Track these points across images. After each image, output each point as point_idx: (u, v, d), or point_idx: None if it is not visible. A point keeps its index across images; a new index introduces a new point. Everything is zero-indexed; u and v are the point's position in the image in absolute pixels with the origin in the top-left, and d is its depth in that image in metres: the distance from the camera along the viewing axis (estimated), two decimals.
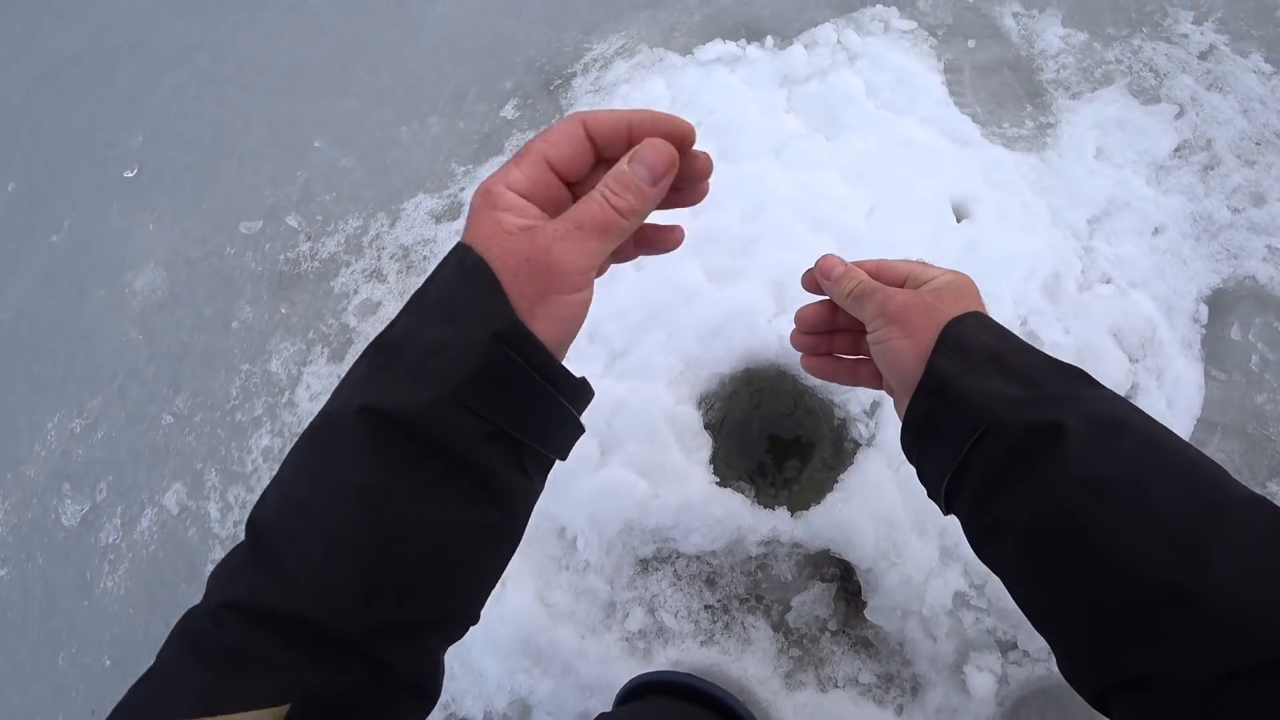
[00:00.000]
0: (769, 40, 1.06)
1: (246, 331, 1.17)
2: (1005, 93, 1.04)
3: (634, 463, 0.79)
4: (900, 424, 0.46)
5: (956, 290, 0.46)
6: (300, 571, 0.31)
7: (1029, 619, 0.39)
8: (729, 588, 0.81)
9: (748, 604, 0.81)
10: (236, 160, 1.32)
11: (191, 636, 0.32)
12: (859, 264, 0.51)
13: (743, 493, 0.80)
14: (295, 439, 0.37)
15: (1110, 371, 0.83)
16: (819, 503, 0.78)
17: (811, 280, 0.55)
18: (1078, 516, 0.34)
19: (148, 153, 1.39)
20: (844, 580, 0.81)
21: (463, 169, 1.12)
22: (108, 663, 1.09)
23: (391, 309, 1.06)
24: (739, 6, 1.13)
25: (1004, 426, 0.38)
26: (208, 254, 1.26)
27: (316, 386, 1.08)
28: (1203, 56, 1.08)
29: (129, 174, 1.37)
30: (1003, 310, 0.83)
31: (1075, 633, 0.36)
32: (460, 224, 1.07)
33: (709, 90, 1.00)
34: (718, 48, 1.04)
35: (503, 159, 1.11)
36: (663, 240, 0.43)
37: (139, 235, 1.32)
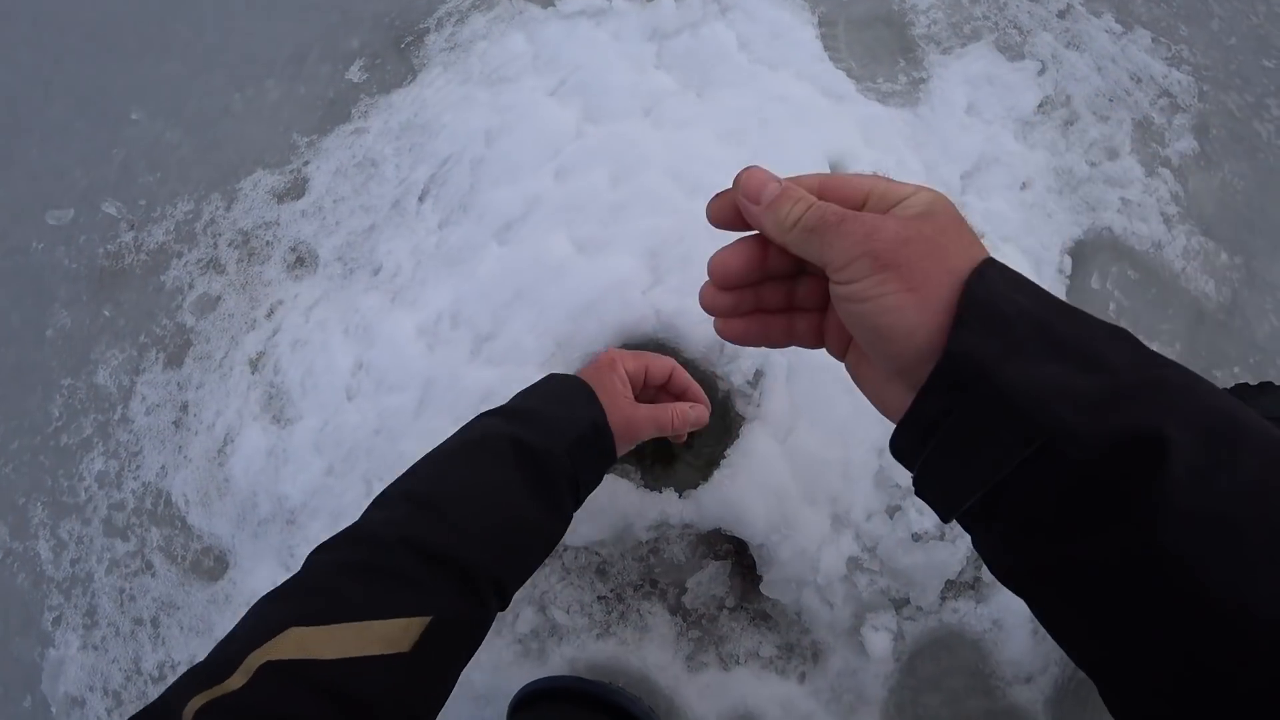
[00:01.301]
0: None
1: (65, 340, 1.01)
2: (879, 47, 1.02)
3: None
4: (892, 413, 0.34)
5: (952, 220, 0.33)
6: (460, 525, 0.46)
7: (1075, 659, 0.31)
8: (621, 576, 0.77)
9: (642, 590, 0.77)
10: (37, 138, 1.12)
11: (347, 566, 0.43)
12: (794, 180, 0.36)
13: (627, 477, 0.76)
14: (435, 446, 0.54)
15: None
16: (707, 481, 0.75)
17: (725, 207, 0.38)
18: (1190, 568, 0.25)
19: None
20: (738, 556, 0.79)
21: (306, 139, 1.00)
22: None
23: (234, 303, 0.94)
24: None
25: (1075, 441, 0.27)
26: (10, 251, 1.08)
27: (153, 398, 0.94)
28: (1061, 15, 1.10)
29: None
30: None
31: (1151, 685, 0.27)
32: (305, 204, 0.95)
33: (573, 45, 0.92)
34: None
35: (350, 127, 0.99)
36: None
37: None
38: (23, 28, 1.22)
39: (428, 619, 0.41)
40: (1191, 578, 0.25)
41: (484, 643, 0.78)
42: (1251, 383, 0.88)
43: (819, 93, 0.91)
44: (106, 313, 1.00)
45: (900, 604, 0.80)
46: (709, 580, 0.77)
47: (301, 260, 0.93)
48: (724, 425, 0.80)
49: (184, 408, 0.92)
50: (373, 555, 0.43)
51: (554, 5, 0.98)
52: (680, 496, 0.75)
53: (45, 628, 0.91)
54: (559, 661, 0.74)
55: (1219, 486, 0.25)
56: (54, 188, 1.09)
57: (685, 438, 0.68)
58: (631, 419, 0.57)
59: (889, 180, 0.36)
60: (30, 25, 1.22)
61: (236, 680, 0.35)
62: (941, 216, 0.33)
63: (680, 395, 0.65)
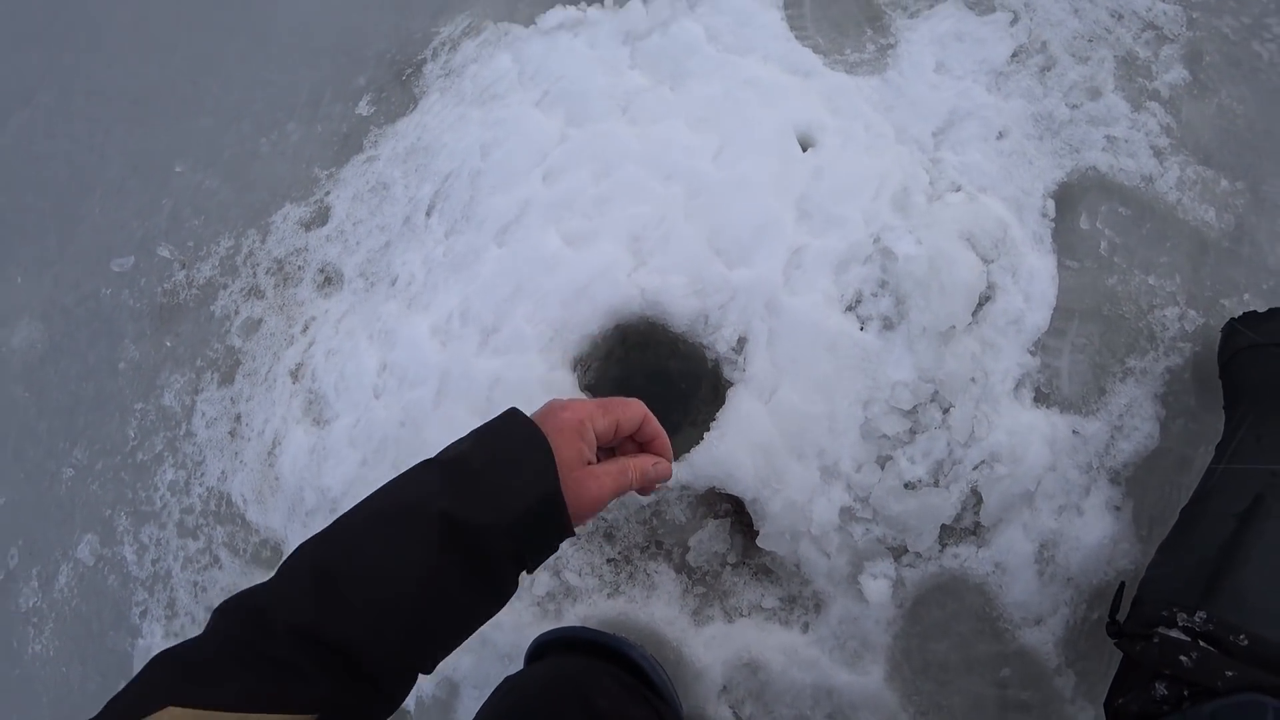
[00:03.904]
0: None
1: (134, 370, 1.15)
2: (846, 20, 1.06)
3: None
4: None
5: None
6: (361, 615, 0.42)
7: None
8: (628, 539, 0.83)
9: (648, 551, 0.83)
10: (97, 197, 1.27)
11: (237, 644, 0.40)
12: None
13: None
14: (360, 501, 0.48)
15: (964, 275, 0.86)
16: (699, 445, 0.80)
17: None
18: None
19: (2, 203, 1.33)
20: (737, 514, 0.83)
21: (325, 172, 1.10)
22: None
23: (273, 323, 1.05)
24: None
25: None
26: (83, 298, 1.23)
27: (211, 413, 1.06)
28: None
29: None
30: (854, 231, 0.85)
31: None
32: (329, 230, 1.06)
33: (553, 57, 0.99)
34: (559, 14, 1.04)
35: (363, 156, 1.09)
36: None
37: (8, 291, 1.27)
38: (77, 101, 1.39)
39: (313, 717, 0.39)
40: None
41: (506, 606, 0.85)
42: (1260, 310, 0.87)
43: (785, 71, 0.96)
44: (168, 343, 1.13)
45: (898, 552, 0.82)
46: (709, 538, 0.82)
47: (329, 279, 1.04)
48: (717, 392, 0.85)
49: (238, 419, 1.03)
50: (262, 639, 0.40)
51: (535, 23, 1.06)
52: (676, 460, 0.80)
53: (134, 621, 1.03)
54: (573, 619, 0.80)
55: None
56: (115, 239, 1.23)
57: (649, 492, 0.60)
58: (596, 498, 0.50)
59: None
60: (84, 98, 1.38)
61: None
62: None
63: (646, 443, 0.57)
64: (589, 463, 0.51)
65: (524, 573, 0.49)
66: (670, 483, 0.79)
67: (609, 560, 0.82)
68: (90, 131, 1.32)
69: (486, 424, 0.51)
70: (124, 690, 0.39)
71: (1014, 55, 1.03)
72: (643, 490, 0.57)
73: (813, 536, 0.80)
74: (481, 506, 0.45)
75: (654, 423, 0.57)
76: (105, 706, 0.39)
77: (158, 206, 1.21)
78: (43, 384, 1.20)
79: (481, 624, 0.49)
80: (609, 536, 0.83)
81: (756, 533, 0.81)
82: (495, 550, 0.45)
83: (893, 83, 0.99)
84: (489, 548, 0.45)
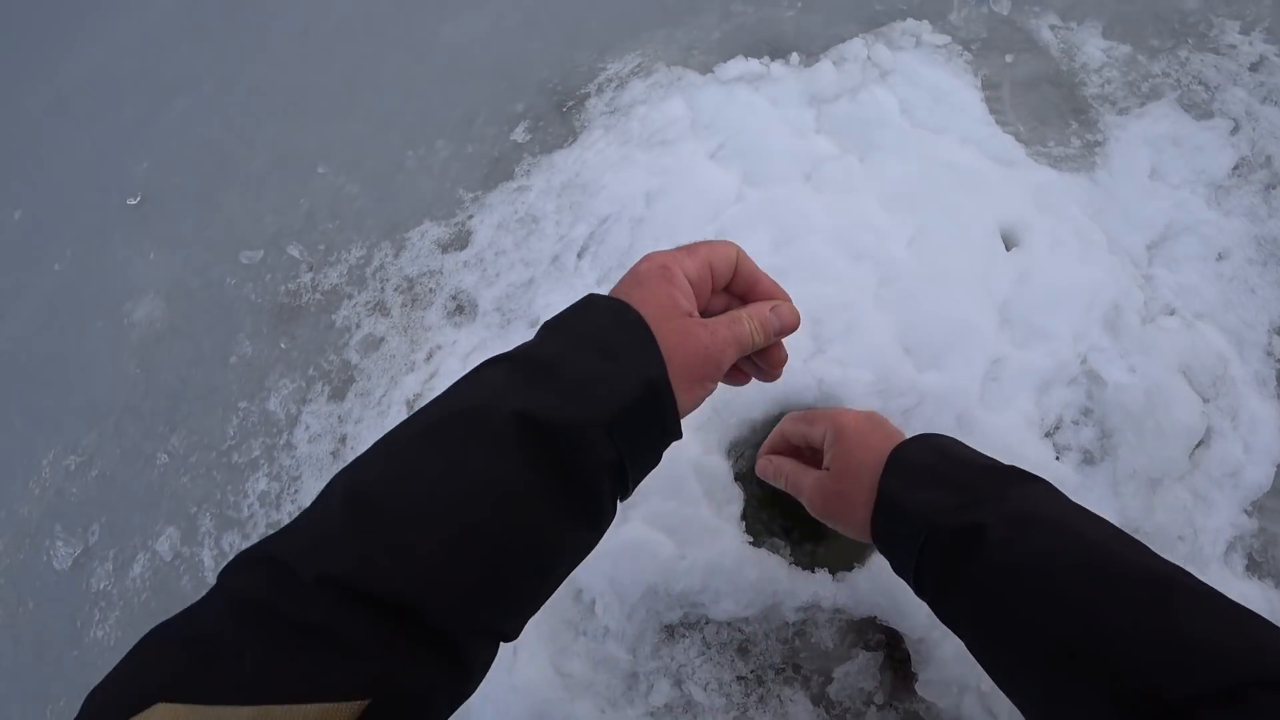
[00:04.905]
0: (794, 57, 1.00)
1: (245, 366, 1.12)
2: (1048, 109, 0.97)
3: (659, 519, 0.72)
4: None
5: (881, 423, 0.56)
6: (420, 553, 0.30)
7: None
8: (763, 657, 0.73)
9: (784, 674, 0.73)
10: (240, 187, 1.28)
11: (250, 608, 0.29)
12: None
13: (778, 551, 0.72)
14: (401, 424, 0.37)
15: (1183, 415, 0.75)
16: (862, 563, 0.70)
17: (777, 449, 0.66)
18: (1005, 600, 0.41)
19: (151, 179, 1.35)
20: (890, 649, 0.73)
21: (471, 195, 1.07)
22: None
23: (395, 344, 1.00)
24: (760, 24, 1.08)
25: (938, 533, 0.44)
26: (208, 284, 1.22)
27: (316, 427, 1.02)
28: (1254, 68, 1.02)
29: (132, 201, 1.33)
30: (1061, 347, 0.76)
31: (1029, 699, 0.41)
32: (468, 256, 1.01)
33: (731, 109, 0.94)
34: (739, 65, 0.99)
35: (513, 185, 1.05)
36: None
37: (139, 264, 1.27)
38: (235, 94, 1.41)
39: (363, 703, 0.28)
40: (1004, 604, 0.41)
41: (614, 711, 0.76)
42: None
43: (986, 157, 0.88)
44: (282, 345, 1.10)
45: None
46: (858, 672, 0.71)
47: (461, 308, 0.99)
48: None
49: (342, 440, 0.98)
50: (283, 598, 0.29)
51: (712, 71, 1.01)
52: (834, 578, 0.71)
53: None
54: None
55: (1015, 549, 0.41)
56: (249, 231, 1.22)
57: (779, 366, 0.47)
58: (708, 347, 0.38)
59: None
60: (241, 93, 1.40)
61: None
62: (876, 417, 0.56)
63: (748, 292, 0.45)
64: (695, 320, 0.39)
65: (624, 488, 0.37)
66: (825, 602, 0.70)
67: (739, 678, 0.73)
68: (243, 124, 1.33)
69: (559, 314, 0.40)
70: (108, 679, 0.28)
71: (1235, 168, 0.94)
72: (769, 364, 0.46)
73: (981, 693, 0.69)
74: (569, 405, 0.34)
75: (751, 262, 0.44)
76: (85, 700, 0.28)
77: (295, 204, 1.21)
78: (154, 362, 1.18)
79: (575, 565, 0.37)
80: (743, 651, 0.73)
81: (912, 674, 0.71)
82: (592, 457, 0.34)
83: (1103, 184, 0.90)
84: (584, 454, 0.34)
